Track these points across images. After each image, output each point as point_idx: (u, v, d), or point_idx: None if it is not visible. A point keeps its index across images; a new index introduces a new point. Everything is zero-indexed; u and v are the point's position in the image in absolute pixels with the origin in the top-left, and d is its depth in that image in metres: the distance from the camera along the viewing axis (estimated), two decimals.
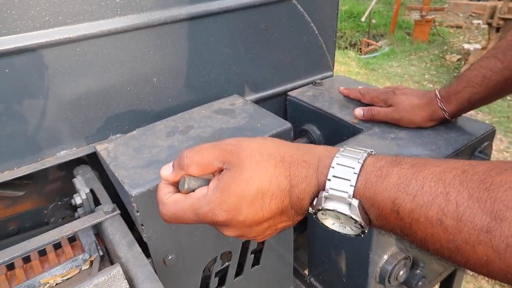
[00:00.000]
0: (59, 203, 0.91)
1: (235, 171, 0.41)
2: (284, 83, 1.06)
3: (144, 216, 0.60)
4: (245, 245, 0.82)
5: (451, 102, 0.78)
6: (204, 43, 0.87)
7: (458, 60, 4.77)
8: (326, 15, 1.07)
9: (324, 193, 0.40)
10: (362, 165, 0.39)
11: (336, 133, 0.94)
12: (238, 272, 0.84)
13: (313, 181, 0.41)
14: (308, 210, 0.42)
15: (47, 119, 0.74)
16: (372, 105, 0.91)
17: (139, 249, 0.59)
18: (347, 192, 0.38)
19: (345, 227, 0.42)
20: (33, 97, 0.71)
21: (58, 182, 0.87)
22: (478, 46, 4.70)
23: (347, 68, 4.62)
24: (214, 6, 0.84)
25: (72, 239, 0.72)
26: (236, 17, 0.88)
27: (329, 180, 0.39)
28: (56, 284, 0.63)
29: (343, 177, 0.39)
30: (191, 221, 0.44)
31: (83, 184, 0.68)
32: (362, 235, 0.41)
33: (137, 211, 0.59)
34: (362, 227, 0.40)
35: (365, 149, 0.41)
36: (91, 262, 0.67)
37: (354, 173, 0.39)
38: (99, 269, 0.65)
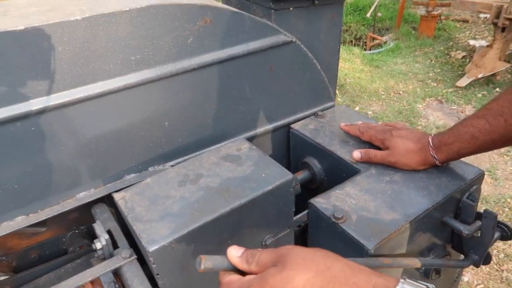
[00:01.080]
0: (76, 231, 0.98)
1: (278, 268, 0.46)
2: (287, 116, 1.11)
3: (160, 267, 0.67)
4: None
5: (441, 152, 0.83)
6: (213, 87, 0.92)
7: (463, 57, 4.76)
8: (328, 50, 1.11)
9: None
10: None
11: (335, 169, 1.00)
12: None
13: None
14: None
15: (68, 166, 0.80)
16: (370, 143, 0.97)
17: None
18: None
19: None
20: (56, 147, 0.77)
21: (76, 213, 0.94)
22: (483, 42, 4.69)
23: (351, 65, 4.63)
24: (223, 55, 0.89)
25: None
26: (243, 62, 0.93)
27: None
28: None
29: None
30: None
31: (103, 230, 0.75)
32: None
33: (154, 264, 0.66)
34: None
35: (426, 284, 0.42)
36: None
37: None
38: None
